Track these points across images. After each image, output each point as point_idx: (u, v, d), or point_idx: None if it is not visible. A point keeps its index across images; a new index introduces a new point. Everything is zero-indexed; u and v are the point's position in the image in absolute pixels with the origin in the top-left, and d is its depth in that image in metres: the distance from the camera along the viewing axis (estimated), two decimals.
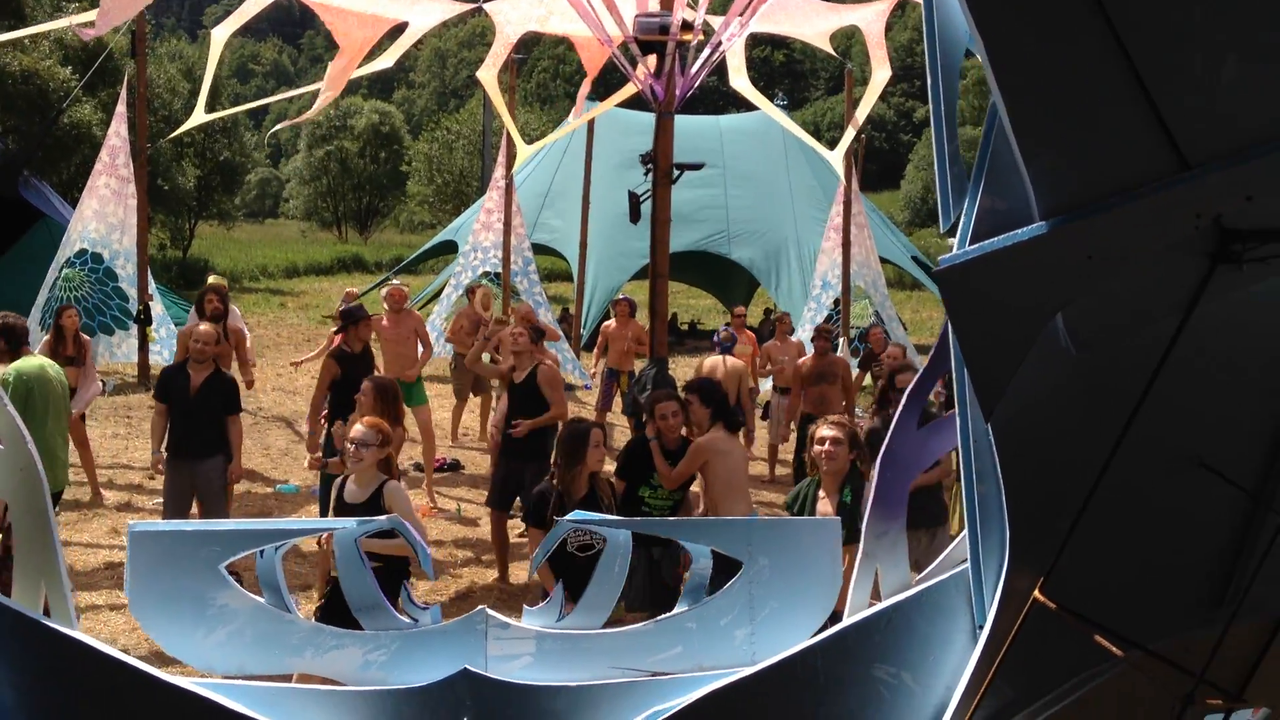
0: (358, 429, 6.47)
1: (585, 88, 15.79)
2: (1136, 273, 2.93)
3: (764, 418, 14.65)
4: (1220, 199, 2.84)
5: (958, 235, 3.23)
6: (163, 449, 9.03)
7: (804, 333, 17.88)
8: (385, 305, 12.57)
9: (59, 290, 16.66)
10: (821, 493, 6.42)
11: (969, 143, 3.60)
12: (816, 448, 6.38)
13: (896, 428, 3.63)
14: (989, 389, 3.03)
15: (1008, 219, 3.07)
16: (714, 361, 13.40)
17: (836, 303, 19.63)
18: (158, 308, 17.80)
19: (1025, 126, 2.93)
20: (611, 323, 15.91)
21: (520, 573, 9.59)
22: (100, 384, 12.68)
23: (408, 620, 3.77)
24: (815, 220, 26.77)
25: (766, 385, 15.87)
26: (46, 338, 12.25)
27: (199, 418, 8.81)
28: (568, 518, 4.12)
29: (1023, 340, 2.98)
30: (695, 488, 8.20)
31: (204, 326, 9.42)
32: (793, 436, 13.27)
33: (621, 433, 14.32)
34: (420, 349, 12.59)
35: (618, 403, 15.52)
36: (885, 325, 19.36)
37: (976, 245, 3.06)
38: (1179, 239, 2.88)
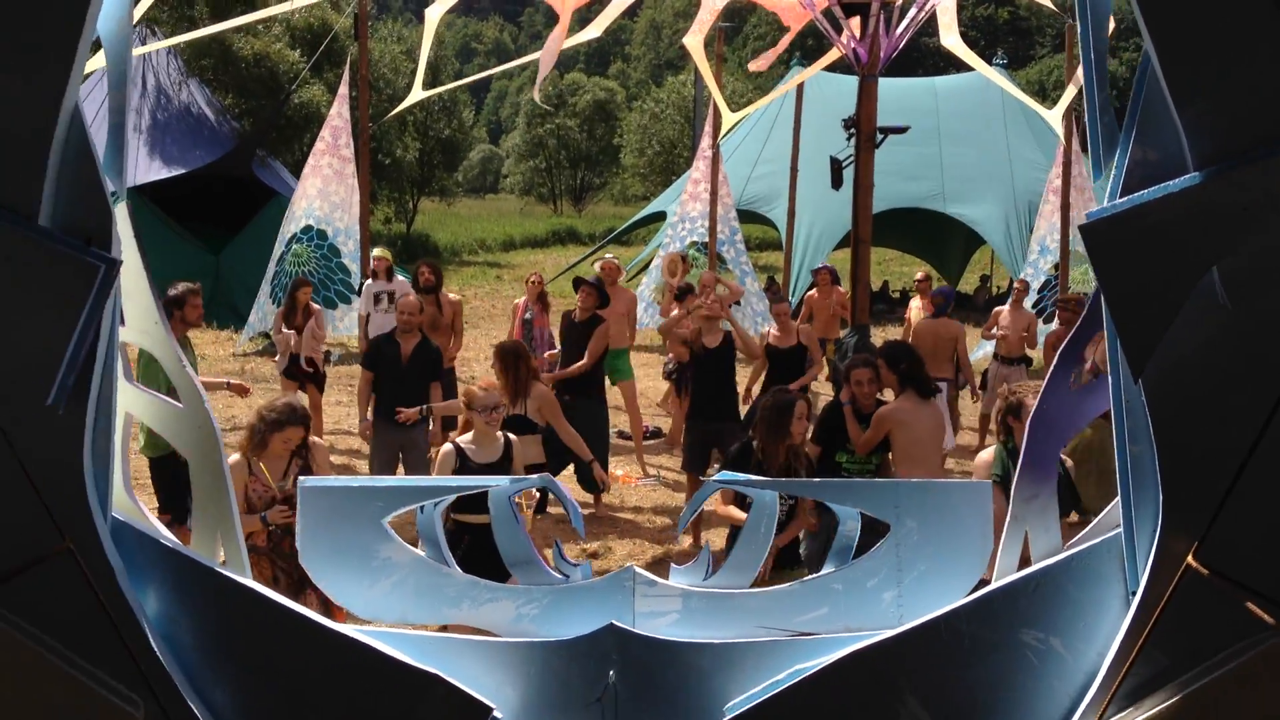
0: (483, 395, 6.73)
1: (782, 45, 15.48)
2: None
3: (982, 386, 14.11)
4: None
5: (1108, 187, 3.12)
6: (369, 415, 9.41)
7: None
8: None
9: (289, 264, 17.51)
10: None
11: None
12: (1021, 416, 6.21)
13: (1048, 389, 3.52)
14: (1140, 347, 2.92)
15: (1160, 170, 2.95)
16: (928, 324, 13.10)
17: (1055, 268, 18.99)
18: None
19: (1178, 73, 2.81)
20: (814, 292, 15.80)
21: (715, 538, 9.66)
22: (327, 352, 13.27)
23: (559, 576, 3.88)
24: (1035, 183, 25.95)
25: (986, 349, 15.44)
26: (280, 309, 12.90)
27: (410, 384, 9.16)
28: (715, 477, 4.16)
29: (1175, 296, 2.86)
30: None
31: (410, 297, 9.77)
32: None
33: (828, 400, 14.20)
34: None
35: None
36: None
37: (1126, 198, 2.95)
38: None
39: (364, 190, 17.49)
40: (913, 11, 12.76)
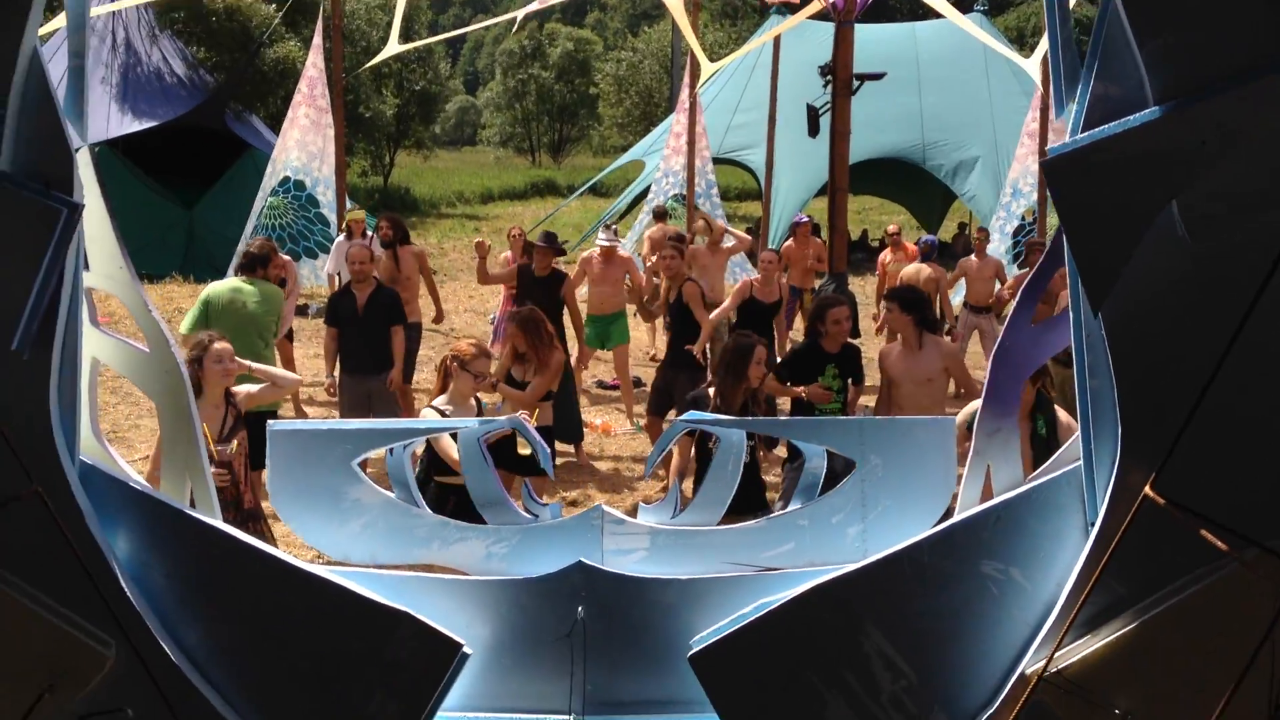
0: (479, 359, 6.60)
1: None
2: (1253, 158, 2.80)
3: (948, 333, 14.22)
4: None
5: (1069, 123, 3.13)
6: (335, 372, 9.41)
7: (994, 243, 17.37)
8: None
9: (264, 218, 17.40)
10: None
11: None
12: None
13: (1010, 325, 3.55)
14: (1099, 281, 2.94)
15: (1120, 105, 2.96)
16: (913, 269, 13.31)
17: (1029, 212, 18.97)
18: None
19: (1139, 7, 2.82)
20: (791, 242, 15.81)
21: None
22: (305, 304, 13.16)
23: (529, 516, 3.91)
24: (1017, 127, 25.86)
25: (956, 299, 15.50)
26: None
27: (369, 334, 9.14)
28: (682, 417, 4.19)
29: (1134, 230, 2.88)
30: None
31: (354, 248, 9.70)
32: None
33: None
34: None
35: (799, 322, 15.42)
36: None
37: (1087, 133, 2.97)
38: None
39: (339, 144, 17.35)
40: None
